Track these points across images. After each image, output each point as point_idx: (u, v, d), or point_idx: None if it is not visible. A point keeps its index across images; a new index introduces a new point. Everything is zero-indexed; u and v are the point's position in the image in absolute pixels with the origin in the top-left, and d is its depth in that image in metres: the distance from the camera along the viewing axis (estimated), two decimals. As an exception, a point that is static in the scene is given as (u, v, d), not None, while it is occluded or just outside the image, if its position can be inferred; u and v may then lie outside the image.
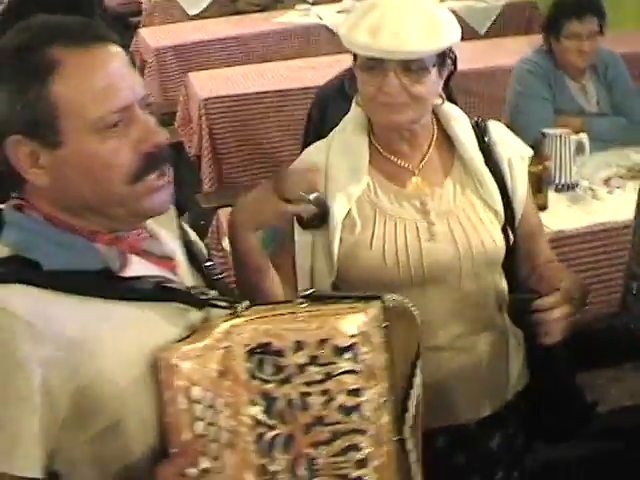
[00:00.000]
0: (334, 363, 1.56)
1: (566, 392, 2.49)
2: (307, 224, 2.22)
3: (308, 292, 1.68)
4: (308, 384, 1.55)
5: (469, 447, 2.46)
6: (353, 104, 2.37)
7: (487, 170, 2.33)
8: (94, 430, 1.51)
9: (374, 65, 2.17)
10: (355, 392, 1.57)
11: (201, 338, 1.52)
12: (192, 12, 8.68)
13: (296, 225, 2.27)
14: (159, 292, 1.58)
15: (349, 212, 2.27)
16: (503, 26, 7.63)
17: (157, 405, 1.52)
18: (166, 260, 1.68)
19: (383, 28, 2.13)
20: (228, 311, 1.60)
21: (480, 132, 2.37)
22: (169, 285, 1.61)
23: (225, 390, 1.52)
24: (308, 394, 1.55)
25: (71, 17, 1.60)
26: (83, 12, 2.26)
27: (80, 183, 1.55)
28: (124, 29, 10.13)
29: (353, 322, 1.58)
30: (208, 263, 1.79)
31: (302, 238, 2.29)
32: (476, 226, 2.30)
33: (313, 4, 8.26)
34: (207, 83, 5.90)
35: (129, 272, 1.58)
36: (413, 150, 2.33)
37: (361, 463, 1.58)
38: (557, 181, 3.92)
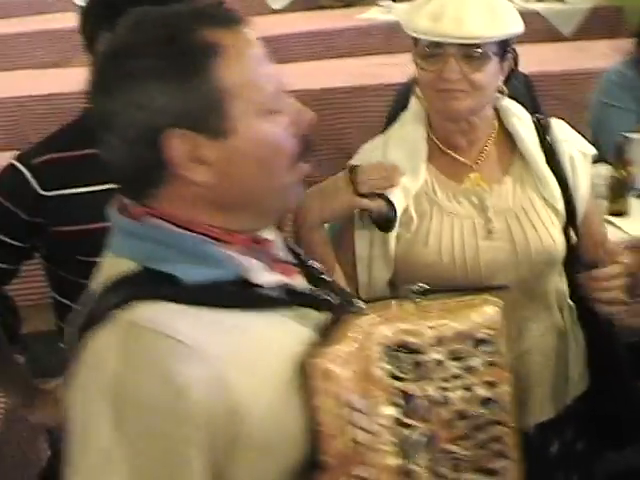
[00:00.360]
0: (473, 356, 1.55)
1: (629, 395, 2.44)
2: (375, 222, 2.21)
3: (421, 288, 1.60)
4: (447, 379, 1.52)
5: (528, 452, 2.40)
6: (412, 98, 2.36)
7: (548, 168, 2.29)
8: (246, 457, 1.38)
9: (434, 51, 2.16)
10: (493, 383, 1.57)
11: (341, 340, 1.45)
12: (276, 6, 8.71)
13: (356, 220, 2.27)
14: (288, 298, 1.49)
15: (406, 208, 2.25)
16: (587, 29, 7.53)
17: (301, 414, 1.40)
18: (289, 265, 1.58)
19: (445, 13, 2.13)
20: (349, 311, 1.52)
21: (542, 129, 2.34)
22: (296, 289, 1.52)
23: (366, 392, 1.45)
24: (447, 389, 1.53)
25: (204, 1, 1.50)
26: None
27: (249, 174, 1.43)
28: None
29: (487, 314, 1.58)
30: (309, 262, 1.67)
31: (361, 233, 2.28)
32: (535, 224, 2.27)
33: (395, 1, 8.24)
34: (287, 77, 5.88)
35: (261, 277, 1.46)
36: (471, 145, 2.31)
37: (501, 454, 1.58)
38: (638, 186, 3.86)
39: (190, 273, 1.41)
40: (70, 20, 3.62)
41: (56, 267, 2.39)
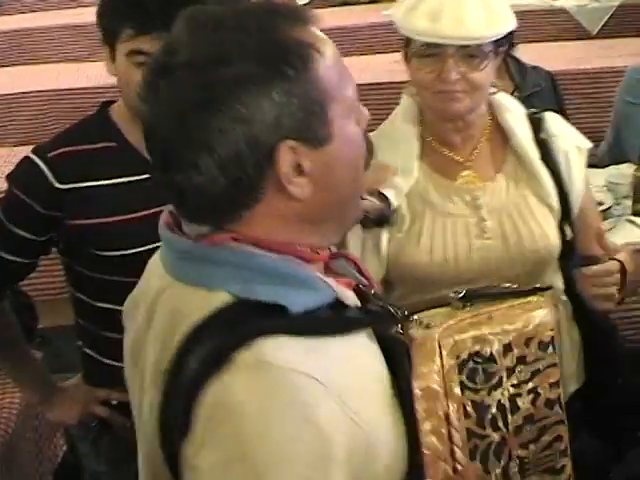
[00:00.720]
0: (540, 359, 1.55)
1: (625, 391, 2.41)
2: (370, 222, 2.18)
3: (462, 293, 1.56)
4: (517, 385, 1.52)
5: None
6: (403, 97, 2.34)
7: (542, 164, 2.27)
8: None
9: (432, 51, 2.14)
10: (556, 384, 1.58)
11: (428, 356, 1.42)
12: (301, 1, 8.71)
13: None
14: (369, 317, 1.43)
15: (399, 207, 2.24)
16: (615, 27, 7.48)
17: (401, 436, 1.36)
18: (348, 280, 1.47)
19: (443, 13, 2.10)
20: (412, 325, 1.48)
21: (536, 124, 2.31)
22: (369, 307, 1.45)
23: (446, 407, 1.44)
24: (518, 395, 1.53)
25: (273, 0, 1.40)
26: None
27: (343, 179, 1.36)
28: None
29: (547, 314, 1.58)
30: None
31: (353, 233, 2.24)
32: (528, 222, 2.25)
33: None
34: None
35: (348, 298, 1.40)
36: (465, 142, 2.29)
37: (564, 452, 1.60)
38: (664, 187, 3.81)
39: (296, 301, 1.31)
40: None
41: (73, 262, 2.40)
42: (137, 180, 2.24)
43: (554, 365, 1.57)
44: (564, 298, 2.36)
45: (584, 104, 5.54)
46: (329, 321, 1.34)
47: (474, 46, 2.13)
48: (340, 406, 1.26)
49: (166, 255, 1.42)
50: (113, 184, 2.28)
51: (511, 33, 2.23)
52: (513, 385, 1.51)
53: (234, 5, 1.35)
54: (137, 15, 2.13)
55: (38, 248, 2.39)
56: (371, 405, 1.32)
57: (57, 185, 2.28)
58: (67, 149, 2.32)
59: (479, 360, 1.47)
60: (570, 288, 2.35)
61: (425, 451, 1.37)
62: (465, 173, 2.29)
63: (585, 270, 2.13)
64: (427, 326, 1.46)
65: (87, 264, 2.34)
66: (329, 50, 1.33)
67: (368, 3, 8.17)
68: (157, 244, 1.48)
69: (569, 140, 2.34)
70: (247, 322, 1.28)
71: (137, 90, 2.14)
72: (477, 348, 1.47)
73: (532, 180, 2.28)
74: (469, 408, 1.46)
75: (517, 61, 3.83)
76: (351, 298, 1.40)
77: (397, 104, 5.41)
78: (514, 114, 2.32)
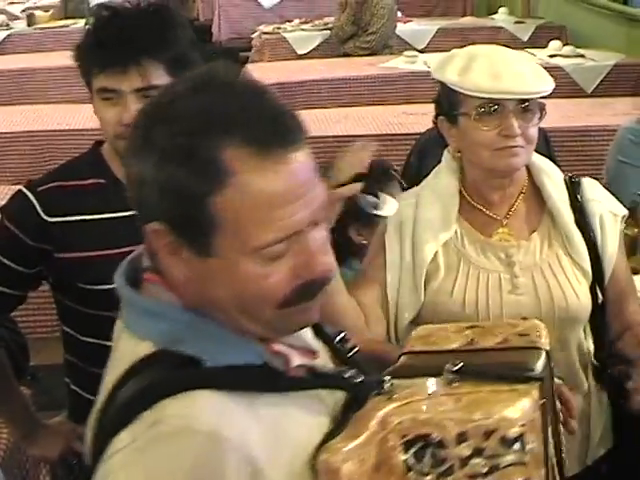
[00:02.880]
0: (501, 455, 1.42)
1: None
2: (362, 211, 2.10)
3: (457, 367, 1.49)
4: (471, 477, 1.41)
5: None
6: (445, 154, 2.39)
7: (576, 227, 2.31)
8: None
9: (494, 108, 2.20)
10: None
11: (358, 432, 1.37)
12: (301, 51, 8.81)
13: (388, 260, 2.29)
14: (314, 380, 1.41)
15: (435, 256, 2.29)
16: (610, 86, 7.57)
17: None
18: (308, 352, 1.45)
19: (501, 72, 2.18)
20: (376, 393, 1.43)
21: (573, 188, 2.36)
22: (319, 371, 1.43)
23: None
24: None
25: (260, 104, 1.33)
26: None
27: (222, 297, 1.33)
28: (233, 63, 10.32)
29: (520, 409, 1.44)
30: (339, 337, 1.57)
31: (391, 272, 2.30)
32: (561, 282, 2.29)
33: (421, 52, 8.31)
34: (308, 122, 5.92)
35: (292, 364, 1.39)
36: (503, 200, 2.34)
37: None
38: (652, 245, 3.85)
39: (214, 355, 1.31)
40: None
41: (62, 295, 2.42)
42: (123, 216, 2.25)
43: (520, 464, 1.43)
44: (594, 361, 2.39)
45: (576, 161, 5.58)
46: (253, 379, 1.33)
47: (531, 101, 2.20)
48: (250, 464, 1.26)
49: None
50: (100, 219, 2.33)
51: None
52: (466, 475, 1.40)
53: (226, 87, 1.34)
54: (99, 54, 2.21)
55: (27, 281, 2.41)
56: (282, 473, 1.31)
57: (46, 218, 2.32)
58: (57, 184, 2.37)
59: (427, 443, 1.39)
60: (599, 351, 2.38)
61: None
62: (500, 230, 2.33)
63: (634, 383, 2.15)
64: (389, 398, 1.42)
65: (74, 298, 2.37)
66: (258, 189, 1.27)
67: (367, 55, 8.26)
68: None
69: (605, 206, 2.38)
70: (162, 377, 1.29)
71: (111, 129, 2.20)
72: (427, 431, 1.39)
73: (566, 242, 2.32)
74: None
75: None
76: (296, 362, 1.39)
77: (396, 156, 5.46)
78: (550, 176, 2.36)
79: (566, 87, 7.37)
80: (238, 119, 1.29)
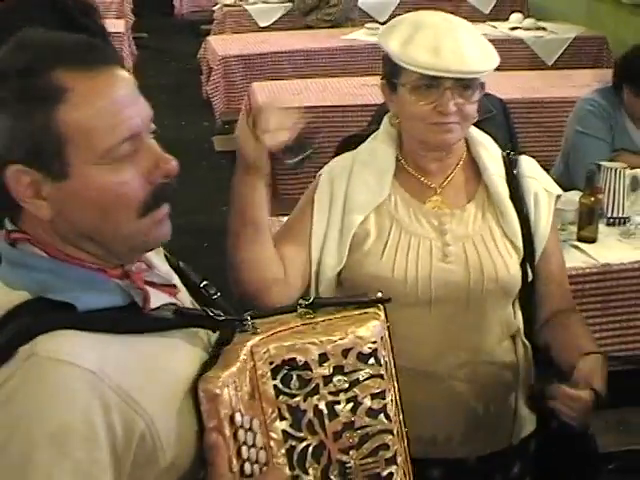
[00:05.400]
0: (359, 370, 1.61)
1: (576, 438, 2.34)
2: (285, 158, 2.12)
3: (309, 300, 1.67)
4: (335, 393, 1.58)
5: None
6: (385, 120, 2.39)
7: (511, 203, 2.32)
8: (152, 477, 1.43)
9: (430, 83, 2.18)
10: (380, 394, 1.63)
11: (230, 362, 1.50)
12: (263, 24, 8.79)
13: (315, 218, 2.31)
14: (179, 319, 1.52)
15: (366, 220, 2.29)
16: (570, 58, 7.61)
17: (197, 435, 1.46)
18: (170, 287, 1.59)
19: (443, 47, 2.15)
20: (240, 330, 1.58)
21: (510, 164, 2.36)
22: (186, 311, 1.56)
23: (256, 410, 1.52)
24: (336, 402, 1.58)
25: (74, 36, 1.48)
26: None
27: (86, 217, 1.44)
28: (194, 36, 10.28)
29: (371, 328, 1.64)
30: (204, 283, 1.69)
31: (317, 229, 2.31)
32: (492, 253, 2.29)
33: (383, 24, 8.28)
34: (270, 93, 5.96)
35: (152, 304, 1.49)
36: (439, 169, 2.34)
37: (390, 460, 1.64)
38: (609, 214, 3.90)
39: (86, 301, 1.42)
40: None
41: None
42: None
43: (376, 377, 1.62)
44: (524, 340, 2.39)
45: (536, 132, 5.63)
46: (121, 320, 1.44)
47: (470, 79, 2.19)
48: (118, 395, 1.37)
49: None
50: None
51: None
52: (331, 392, 1.58)
53: (34, 32, 1.45)
54: None
55: None
56: (158, 400, 1.43)
57: None
58: None
59: (293, 367, 1.54)
60: (529, 330, 2.39)
61: (208, 448, 1.45)
62: (435, 198, 2.33)
63: (560, 389, 2.11)
64: (254, 332, 1.56)
65: None
66: (91, 98, 1.40)
67: (329, 28, 8.25)
68: None
69: (540, 182, 2.39)
70: (36, 319, 1.38)
71: None
72: (292, 356, 1.54)
73: (499, 215, 2.32)
74: (284, 412, 1.54)
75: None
76: (161, 301, 1.51)
77: (357, 126, 5.49)
78: (488, 150, 2.37)
79: (527, 59, 7.43)
80: (60, 49, 1.42)
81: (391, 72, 2.27)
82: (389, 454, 1.64)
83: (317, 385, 1.57)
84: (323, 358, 1.57)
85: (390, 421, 1.64)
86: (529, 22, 8.03)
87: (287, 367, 1.54)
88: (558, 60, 7.64)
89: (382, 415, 1.63)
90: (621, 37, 7.58)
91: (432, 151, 2.31)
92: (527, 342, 2.39)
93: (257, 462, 1.50)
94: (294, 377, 1.55)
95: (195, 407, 1.46)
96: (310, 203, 2.34)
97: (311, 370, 1.56)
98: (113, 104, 1.41)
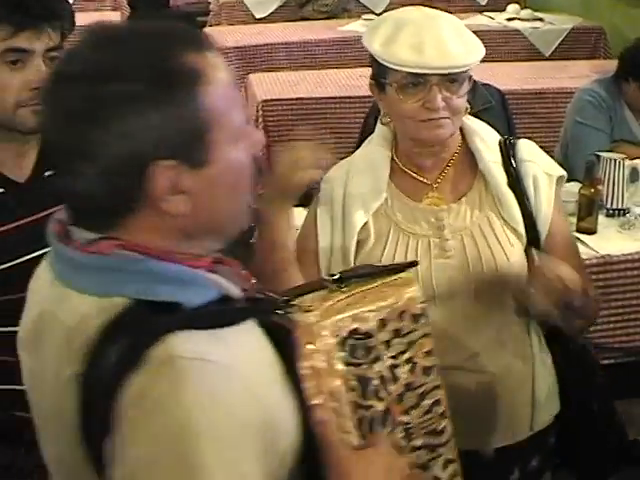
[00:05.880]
0: (414, 331, 1.65)
1: (603, 424, 2.40)
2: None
3: (336, 276, 1.65)
4: (394, 357, 1.61)
5: (484, 477, 2.33)
6: (378, 124, 2.38)
7: (509, 189, 2.30)
8: (276, 462, 1.40)
9: (416, 81, 2.17)
10: (431, 352, 1.68)
11: (305, 340, 1.49)
12: (259, 15, 8.74)
13: (320, 232, 2.32)
14: (257, 306, 1.49)
15: (366, 225, 2.29)
16: (568, 49, 7.60)
17: (295, 414, 1.42)
18: (247, 275, 1.55)
19: (425, 45, 2.15)
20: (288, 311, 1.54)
21: (507, 150, 2.34)
22: (256, 297, 1.52)
23: (328, 385, 1.51)
24: (396, 366, 1.61)
25: (180, 23, 1.44)
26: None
27: (221, 200, 1.41)
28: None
29: (416, 289, 1.68)
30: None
31: (323, 243, 2.32)
32: (490, 243, 2.27)
33: (379, 15, 8.27)
34: (267, 85, 5.95)
35: (235, 292, 1.45)
36: (435, 165, 2.33)
37: (443, 414, 1.71)
38: (608, 205, 3.90)
39: (190, 298, 1.36)
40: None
41: None
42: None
43: (427, 335, 1.66)
44: (536, 326, 2.38)
45: (534, 123, 5.61)
46: (222, 313, 1.40)
47: (455, 74, 2.18)
48: (247, 389, 1.33)
49: (57, 265, 1.44)
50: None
51: None
52: (391, 357, 1.60)
53: (136, 24, 1.42)
54: (17, 12, 2.10)
55: None
56: (270, 388, 1.39)
57: None
58: None
59: (358, 337, 1.55)
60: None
61: (319, 426, 1.44)
62: (431, 195, 2.32)
63: (538, 255, 2.14)
64: (307, 310, 1.54)
65: None
66: (219, 77, 1.38)
67: (325, 19, 8.23)
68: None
69: (540, 166, 2.35)
70: (152, 321, 1.32)
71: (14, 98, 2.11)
72: (355, 326, 1.55)
73: (497, 204, 2.30)
74: (353, 382, 1.54)
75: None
76: (237, 292, 1.45)
77: (354, 117, 5.47)
78: (484, 139, 2.35)
79: (524, 50, 7.41)
80: (180, 34, 1.40)
81: (378, 72, 2.26)
82: (441, 409, 1.70)
83: (379, 351, 1.59)
84: (382, 324, 1.59)
85: (438, 376, 1.70)
86: (526, 13, 8.00)
87: (353, 337, 1.55)
88: (555, 51, 7.61)
89: (433, 372, 1.68)
90: (618, 28, 7.56)
91: (426, 147, 2.29)
92: (538, 327, 2.38)
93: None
94: (359, 346, 1.55)
95: (294, 389, 1.43)
96: (313, 219, 2.36)
97: (373, 337, 1.57)
98: (230, 83, 1.41)
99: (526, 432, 2.38)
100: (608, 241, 3.71)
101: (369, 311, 1.58)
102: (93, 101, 1.32)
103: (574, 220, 3.70)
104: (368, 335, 1.57)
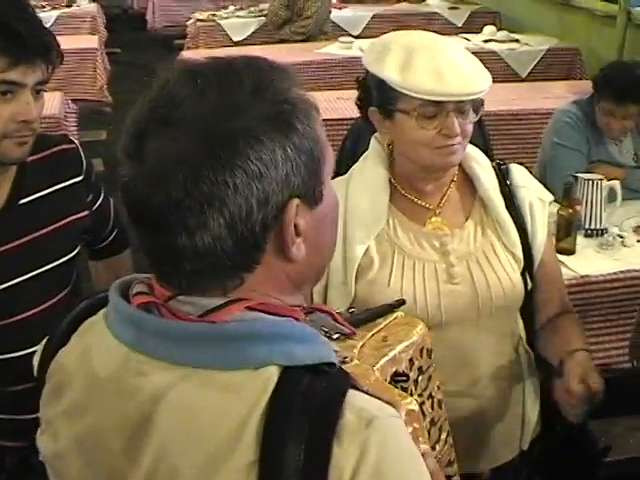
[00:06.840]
0: (431, 366, 1.63)
1: (578, 437, 2.39)
2: None
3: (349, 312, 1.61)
4: (420, 394, 1.60)
5: None
6: (373, 142, 2.35)
7: (507, 213, 2.30)
8: None
9: (435, 109, 2.13)
10: (439, 386, 1.67)
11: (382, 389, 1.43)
12: (236, 38, 8.78)
13: None
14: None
15: (367, 249, 2.26)
16: (544, 70, 7.65)
17: None
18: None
19: (443, 72, 2.10)
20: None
21: (502, 175, 2.34)
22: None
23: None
24: (422, 403, 1.59)
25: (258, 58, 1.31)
26: None
27: (327, 241, 1.34)
28: (168, 51, 10.27)
29: (424, 326, 1.64)
30: None
31: None
32: (495, 268, 2.28)
33: (357, 37, 8.32)
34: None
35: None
36: (435, 190, 2.31)
37: (452, 445, 1.69)
38: (587, 226, 3.90)
39: (328, 355, 1.23)
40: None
41: None
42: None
43: (435, 369, 1.65)
44: (526, 347, 2.40)
45: (511, 144, 5.64)
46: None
47: (469, 100, 2.15)
48: None
49: (149, 343, 1.25)
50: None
51: None
52: (419, 395, 1.59)
53: (223, 61, 1.27)
54: (15, 45, 2.09)
55: None
56: None
57: None
58: None
59: (397, 379, 1.52)
60: (530, 337, 2.40)
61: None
62: (434, 219, 2.31)
63: (564, 386, 2.14)
64: (343, 361, 1.41)
65: None
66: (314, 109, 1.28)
67: (303, 41, 8.25)
68: None
69: (533, 191, 2.36)
70: (320, 389, 1.18)
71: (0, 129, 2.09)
72: (395, 369, 1.51)
73: (498, 229, 2.30)
74: None
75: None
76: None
77: (333, 140, 5.42)
78: (480, 163, 2.34)
79: (501, 72, 7.44)
80: (270, 69, 1.27)
81: (385, 98, 2.19)
82: (451, 439, 1.69)
83: (411, 391, 1.56)
84: (411, 363, 1.57)
85: (446, 408, 1.69)
86: (502, 34, 8.07)
87: (394, 381, 1.50)
88: (532, 72, 7.67)
89: (444, 404, 1.67)
90: (594, 48, 7.63)
91: (433, 173, 2.27)
92: (529, 349, 2.41)
93: None
94: (400, 389, 1.49)
95: None
96: None
97: (409, 378, 1.55)
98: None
99: (518, 449, 2.42)
100: (586, 261, 3.71)
101: (399, 352, 1.53)
102: (217, 144, 1.17)
103: (552, 241, 3.70)
104: (405, 376, 1.54)
